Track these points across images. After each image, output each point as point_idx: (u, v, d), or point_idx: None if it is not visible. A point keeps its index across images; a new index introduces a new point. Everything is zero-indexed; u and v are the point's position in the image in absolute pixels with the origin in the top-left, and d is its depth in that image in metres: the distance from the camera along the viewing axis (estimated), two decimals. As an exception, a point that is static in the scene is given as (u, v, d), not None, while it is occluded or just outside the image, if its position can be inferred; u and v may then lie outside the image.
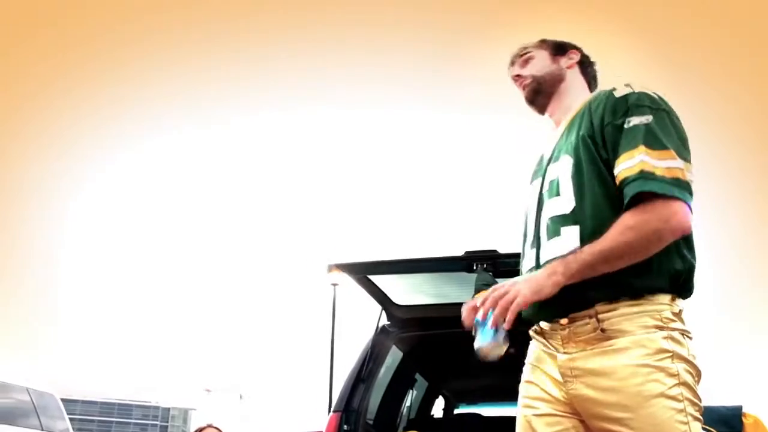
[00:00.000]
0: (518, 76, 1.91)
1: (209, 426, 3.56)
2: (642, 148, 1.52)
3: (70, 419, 8.47)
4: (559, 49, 1.93)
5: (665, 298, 1.54)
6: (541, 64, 1.91)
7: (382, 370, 3.67)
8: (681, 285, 1.56)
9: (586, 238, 1.53)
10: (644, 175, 1.49)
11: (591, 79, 1.92)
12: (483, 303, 1.55)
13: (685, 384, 1.49)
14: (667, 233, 1.49)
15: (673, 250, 1.53)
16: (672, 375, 1.48)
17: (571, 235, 1.57)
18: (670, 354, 1.50)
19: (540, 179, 1.74)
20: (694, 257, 1.58)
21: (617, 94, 1.62)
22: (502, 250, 3.12)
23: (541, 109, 1.91)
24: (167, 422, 67.08)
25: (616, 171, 1.55)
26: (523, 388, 1.68)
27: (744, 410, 3.00)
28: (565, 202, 1.61)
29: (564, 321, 1.57)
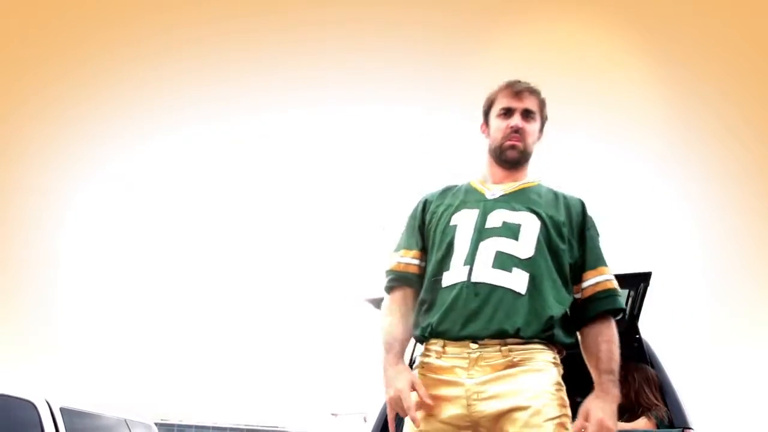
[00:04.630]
0: (518, 132, 1.88)
1: None
2: (606, 269, 1.88)
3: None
4: (544, 118, 1.96)
5: (557, 349, 1.83)
6: (535, 134, 1.92)
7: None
8: (568, 348, 1.85)
9: (530, 287, 1.78)
10: (615, 293, 1.85)
11: None
12: None
13: (568, 416, 1.75)
14: None
15: (567, 328, 1.83)
16: (563, 406, 1.75)
17: (522, 277, 1.79)
18: (562, 388, 1.77)
19: (478, 211, 1.88)
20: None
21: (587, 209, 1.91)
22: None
23: (514, 170, 1.95)
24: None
25: (588, 280, 1.86)
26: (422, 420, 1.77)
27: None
28: (522, 249, 1.82)
29: (477, 345, 1.75)
